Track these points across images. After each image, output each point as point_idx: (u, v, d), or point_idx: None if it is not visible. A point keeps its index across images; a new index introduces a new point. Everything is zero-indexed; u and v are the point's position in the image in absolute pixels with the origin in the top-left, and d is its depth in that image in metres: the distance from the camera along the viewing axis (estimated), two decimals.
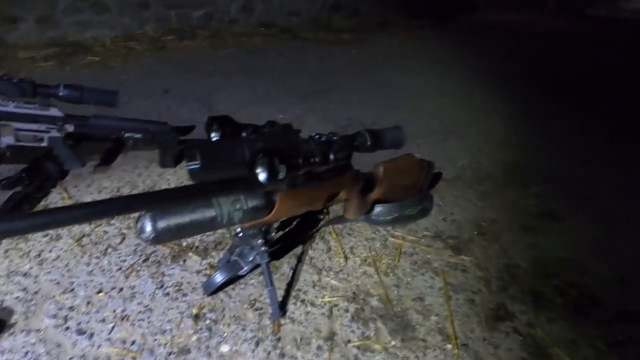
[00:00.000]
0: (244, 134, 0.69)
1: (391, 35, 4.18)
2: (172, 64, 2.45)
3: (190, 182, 0.62)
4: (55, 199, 1.10)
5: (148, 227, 0.58)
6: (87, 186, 1.17)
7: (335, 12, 4.62)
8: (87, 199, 1.11)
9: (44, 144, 1.07)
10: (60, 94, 1.02)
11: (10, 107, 0.99)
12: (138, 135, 1.18)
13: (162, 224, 0.58)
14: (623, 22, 7.55)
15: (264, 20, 3.97)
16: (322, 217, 1.09)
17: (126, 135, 1.17)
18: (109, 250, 0.92)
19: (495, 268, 0.96)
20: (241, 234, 0.77)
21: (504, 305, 0.85)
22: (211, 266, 0.89)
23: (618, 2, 9.27)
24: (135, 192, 1.16)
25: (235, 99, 1.97)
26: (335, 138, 0.77)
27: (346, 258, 0.96)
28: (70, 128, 1.08)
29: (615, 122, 2.12)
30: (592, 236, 1.12)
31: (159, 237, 0.59)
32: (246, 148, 0.61)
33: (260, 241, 0.75)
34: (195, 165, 0.59)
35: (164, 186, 1.20)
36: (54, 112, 1.05)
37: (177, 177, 1.25)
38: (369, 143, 0.83)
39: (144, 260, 0.90)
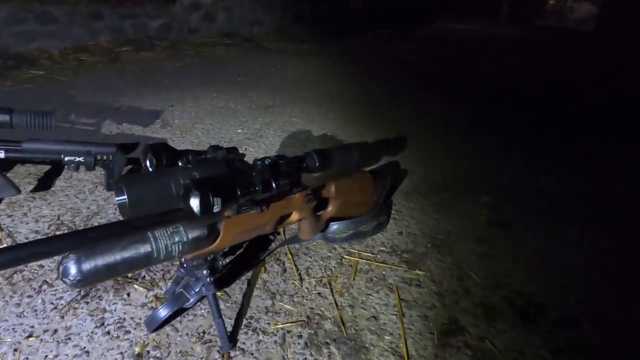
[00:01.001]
0: (180, 163, 0.66)
1: (352, 45, 4.27)
2: (126, 77, 2.35)
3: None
4: None
5: (72, 270, 0.53)
6: (23, 215, 1.08)
7: (297, 22, 4.65)
8: (23, 229, 1.03)
9: None
10: None
11: None
12: (80, 159, 1.11)
13: (88, 265, 0.54)
14: (567, 31, 8.16)
15: (226, 30, 3.92)
16: (273, 238, 1.07)
17: (66, 159, 1.09)
18: (44, 287, 0.85)
19: (449, 281, 0.98)
20: (185, 265, 0.73)
21: (456, 319, 0.87)
22: (157, 298, 0.85)
23: (564, 13, 10.01)
24: (77, 218, 1.09)
25: (192, 113, 1.92)
26: (282, 162, 0.75)
27: (301, 279, 0.94)
28: (0, 154, 1.00)
29: (558, 126, 2.27)
30: (537, 243, 1.17)
31: (86, 280, 0.54)
32: (180, 178, 0.58)
33: (205, 272, 0.72)
34: (122, 199, 0.55)
35: (111, 211, 1.13)
36: None
37: None
38: (317, 164, 0.83)
39: (83, 297, 0.84)
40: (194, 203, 0.55)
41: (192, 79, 2.45)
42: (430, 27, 6.38)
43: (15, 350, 0.72)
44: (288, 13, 4.50)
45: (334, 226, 1.02)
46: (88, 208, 1.14)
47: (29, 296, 0.83)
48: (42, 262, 0.92)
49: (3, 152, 1.00)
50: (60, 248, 0.54)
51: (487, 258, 1.09)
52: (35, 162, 1.15)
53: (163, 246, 0.61)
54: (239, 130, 1.76)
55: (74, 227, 1.06)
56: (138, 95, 2.08)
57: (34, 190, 1.18)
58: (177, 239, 0.62)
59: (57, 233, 1.03)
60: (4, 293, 0.83)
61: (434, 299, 0.92)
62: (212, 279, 0.73)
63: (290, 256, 1.01)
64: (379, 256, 1.04)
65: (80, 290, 0.85)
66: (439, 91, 2.82)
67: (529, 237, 1.20)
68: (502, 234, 1.20)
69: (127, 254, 0.58)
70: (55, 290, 0.85)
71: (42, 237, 1.01)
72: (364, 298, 0.90)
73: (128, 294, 0.85)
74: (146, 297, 0.85)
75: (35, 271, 0.89)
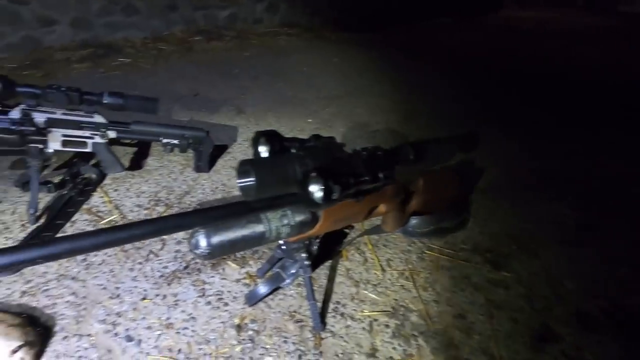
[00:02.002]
0: (292, 150, 0.69)
1: (412, 34, 4.13)
2: (200, 66, 2.48)
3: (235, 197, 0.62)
4: (97, 202, 1.13)
5: (202, 243, 0.58)
6: (126, 190, 1.20)
7: (355, 12, 4.58)
8: (127, 202, 1.14)
9: (87, 149, 1.10)
10: (105, 101, 1.05)
11: (58, 115, 1.02)
12: (175, 141, 1.20)
13: (215, 240, 0.59)
14: None
15: (287, 20, 3.98)
16: (353, 227, 1.09)
17: (164, 140, 1.19)
18: (151, 256, 0.94)
19: (538, 286, 0.94)
20: (284, 247, 0.77)
21: (548, 325, 0.83)
22: (249, 275, 0.90)
23: None
24: (172, 196, 1.19)
25: (263, 102, 1.98)
26: (379, 153, 0.76)
27: (383, 270, 0.95)
28: (112, 134, 1.11)
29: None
30: (631, 249, 1.08)
31: (213, 253, 0.59)
32: (297, 165, 0.61)
33: (303, 255, 0.75)
34: (248, 182, 0.59)
35: (199, 191, 1.22)
36: (97, 118, 1.08)
37: (211, 182, 1.27)
38: (411, 157, 0.82)
39: (185, 267, 0.91)
40: (315, 189, 0.58)
41: (259, 68, 2.52)
42: (497, 15, 5.97)
43: (134, 309, 0.80)
44: (347, 2, 4.45)
45: (416, 220, 1.01)
46: (179, 187, 1.23)
47: (139, 263, 0.92)
48: None
49: (115, 132, 1.11)
50: (191, 222, 0.59)
51: (577, 263, 1.02)
52: (127, 144, 1.26)
53: (274, 227, 0.64)
54: (310, 120, 1.80)
55: (169, 202, 1.16)
56: (212, 83, 2.19)
57: (130, 168, 1.30)
58: (285, 221, 0.66)
59: (157, 208, 1.13)
60: (119, 258, 0.93)
61: (524, 303, 0.88)
62: (309, 262, 0.76)
63: (370, 246, 1.02)
64: (460, 254, 1.02)
65: (181, 262, 0.93)
66: (510, 85, 2.65)
67: (621, 242, 1.10)
68: (591, 237, 1.12)
69: (245, 232, 0.62)
70: (160, 260, 0.94)
71: (145, 210, 1.12)
72: (449, 295, 0.89)
73: (223, 269, 0.92)
74: (239, 273, 0.91)
75: (142, 241, 0.99)
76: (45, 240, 0.51)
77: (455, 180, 1.05)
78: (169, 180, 1.27)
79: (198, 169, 1.29)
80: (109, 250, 0.95)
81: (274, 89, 2.18)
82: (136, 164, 1.34)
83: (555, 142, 1.77)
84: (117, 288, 0.85)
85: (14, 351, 0.64)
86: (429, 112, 2.04)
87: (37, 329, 0.72)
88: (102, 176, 1.22)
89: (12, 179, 1.15)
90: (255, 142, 0.70)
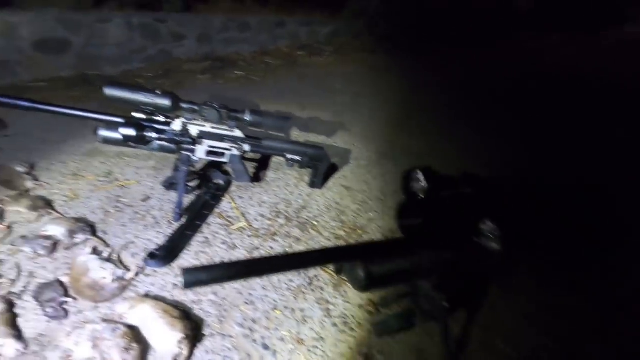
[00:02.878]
0: (447, 189, 0.67)
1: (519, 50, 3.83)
2: (305, 80, 2.61)
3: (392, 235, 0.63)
4: (226, 207, 1.24)
5: (362, 275, 0.60)
6: (249, 198, 1.30)
7: (455, 25, 4.41)
8: (251, 211, 1.23)
9: (224, 160, 1.22)
10: (246, 118, 1.15)
11: (208, 128, 1.15)
12: (297, 158, 1.27)
13: (375, 273, 0.60)
14: None
15: (384, 35, 3.99)
16: None
17: (288, 156, 1.26)
18: None
19: None
20: (421, 285, 0.75)
21: None
22: (373, 303, 0.90)
23: None
24: (290, 209, 1.25)
25: (368, 121, 2.00)
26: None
27: None
28: (247, 147, 1.21)
29: None
30: None
31: (371, 285, 0.60)
32: (467, 209, 0.59)
33: (442, 296, 0.73)
34: (412, 221, 0.59)
35: (314, 207, 1.27)
36: (237, 133, 1.19)
37: (324, 199, 1.31)
38: None
39: (309, 284, 0.95)
40: (493, 244, 0.56)
41: (360, 85, 2.57)
42: (620, 31, 5.26)
43: (267, 318, 0.86)
44: (449, 17, 4.32)
45: None
46: (296, 201, 1.30)
47: None
48: (273, 244, 1.09)
49: (249, 146, 1.22)
50: (353, 255, 0.61)
51: None
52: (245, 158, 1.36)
53: (429, 264, 0.63)
54: (413, 143, 1.76)
55: (288, 215, 1.22)
56: (316, 98, 2.29)
57: (252, 180, 1.40)
58: (439, 259, 0.64)
59: (278, 219, 1.20)
60: None
61: None
62: (446, 305, 0.73)
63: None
64: None
65: (305, 277, 0.97)
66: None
67: None
68: None
69: (402, 267, 0.62)
70: (285, 272, 0.99)
71: (267, 220, 1.19)
72: None
73: (345, 292, 0.93)
74: (361, 298, 0.92)
75: (269, 251, 1.06)
76: (227, 263, 0.57)
77: None
78: (286, 193, 1.34)
79: (312, 184, 1.35)
80: (241, 256, 1.04)
81: (376, 107, 2.19)
82: (257, 175, 1.44)
83: None
84: (251, 295, 0.92)
85: (180, 342, 0.73)
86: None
87: (192, 323, 0.81)
88: (229, 183, 1.34)
89: (156, 179, 1.32)
90: (407, 179, 0.70)
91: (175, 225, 1.14)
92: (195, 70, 2.71)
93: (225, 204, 1.26)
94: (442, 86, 2.66)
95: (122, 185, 1.33)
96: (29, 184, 1.29)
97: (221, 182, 1.33)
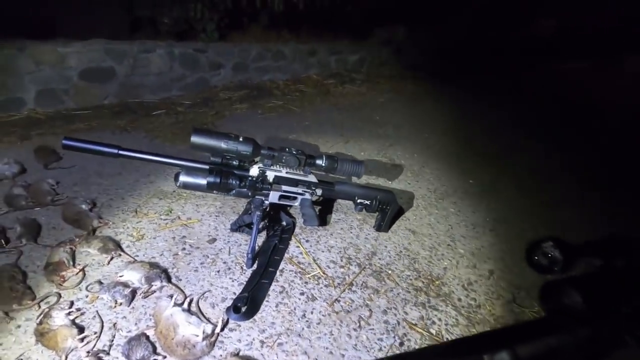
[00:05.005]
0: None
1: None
2: (341, 110, 2.63)
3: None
4: (295, 252, 1.22)
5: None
6: (316, 242, 1.27)
7: (481, 55, 4.46)
8: (321, 256, 1.20)
9: (295, 204, 1.20)
10: (322, 164, 1.15)
11: (283, 173, 1.14)
12: (367, 202, 1.25)
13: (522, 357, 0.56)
14: None
15: (411, 63, 4.04)
16: None
17: (358, 200, 1.25)
18: (362, 323, 0.97)
19: None
20: None
21: None
22: None
23: None
24: (360, 255, 1.22)
25: (414, 154, 1.99)
26: None
27: None
28: (319, 192, 1.20)
29: None
30: None
31: None
32: (618, 284, 0.56)
33: None
34: (568, 301, 0.56)
35: (385, 253, 1.24)
36: (311, 178, 1.18)
37: (392, 244, 1.29)
38: None
39: (400, 344, 0.91)
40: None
41: (398, 115, 2.57)
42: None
43: None
44: (475, 45, 4.37)
45: None
46: (365, 246, 1.27)
47: (354, 329, 0.95)
48: (352, 295, 1.06)
49: (322, 190, 1.20)
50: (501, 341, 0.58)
51: None
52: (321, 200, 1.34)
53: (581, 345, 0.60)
54: (471, 181, 1.74)
55: (360, 262, 1.19)
56: (357, 130, 2.29)
57: (320, 224, 1.35)
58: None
59: (350, 267, 1.17)
60: (334, 320, 0.97)
61: None
62: None
63: None
64: None
65: (394, 336, 0.93)
66: None
67: None
68: None
69: (551, 346, 0.58)
70: (373, 329, 0.95)
71: (340, 267, 1.16)
72: None
73: None
74: None
75: (349, 303, 1.03)
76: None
77: None
78: (352, 236, 1.31)
79: (379, 228, 1.32)
80: (322, 309, 1.00)
81: (419, 140, 2.19)
82: (324, 219, 1.39)
83: None
84: (343, 356, 0.88)
85: None
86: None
87: None
88: (294, 225, 1.32)
89: (217, 218, 1.31)
90: (536, 251, 0.67)
91: (249, 272, 1.12)
92: (232, 99, 2.74)
93: (293, 248, 1.24)
94: (485, 116, 2.66)
95: (185, 225, 1.32)
96: (95, 222, 1.28)
97: (288, 224, 1.31)
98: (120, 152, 0.98)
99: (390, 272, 1.16)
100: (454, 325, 0.99)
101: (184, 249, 1.20)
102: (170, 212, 1.38)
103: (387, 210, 1.28)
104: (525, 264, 1.15)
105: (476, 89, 3.37)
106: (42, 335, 0.86)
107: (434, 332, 0.95)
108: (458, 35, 4.23)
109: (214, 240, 1.25)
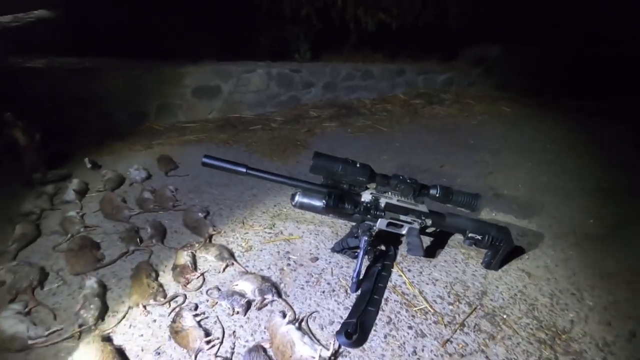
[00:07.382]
0: None
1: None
2: (432, 133, 2.55)
3: None
4: (398, 281, 1.19)
5: None
6: (419, 273, 1.23)
7: (574, 76, 4.00)
8: (426, 289, 1.16)
9: (402, 232, 1.18)
10: (436, 194, 1.11)
11: (394, 201, 1.13)
12: (479, 237, 1.18)
13: None
14: None
15: (501, 83, 3.79)
16: None
17: (469, 234, 1.18)
18: None
19: None
20: None
21: None
22: None
23: None
24: (468, 292, 1.15)
25: (517, 185, 1.84)
26: None
27: None
28: (429, 222, 1.16)
29: None
30: None
31: None
32: None
33: None
34: None
35: (497, 294, 1.15)
36: (422, 207, 1.15)
37: (504, 285, 1.19)
38: None
39: None
40: None
41: (494, 140, 2.41)
42: None
43: None
44: (572, 64, 3.95)
45: None
46: (473, 283, 1.19)
47: None
48: (465, 338, 0.99)
49: (432, 221, 1.16)
50: None
51: None
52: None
53: None
54: (591, 221, 1.55)
55: (469, 300, 1.12)
56: (451, 154, 2.19)
57: (426, 255, 1.30)
58: None
59: (460, 305, 1.10)
60: None
61: None
62: None
63: None
64: None
65: None
66: None
67: None
68: None
69: None
70: None
71: (449, 304, 1.10)
72: None
73: None
74: None
75: (463, 347, 0.96)
76: None
77: None
78: (457, 271, 1.24)
79: (488, 265, 1.23)
80: (434, 348, 0.96)
81: (522, 169, 2.01)
82: (432, 251, 1.33)
83: None
84: None
85: None
86: None
87: None
88: (396, 254, 1.29)
89: (317, 236, 1.33)
90: None
91: (353, 296, 1.12)
92: (321, 117, 2.83)
93: (396, 276, 1.21)
94: (601, 145, 2.37)
95: (288, 240, 1.37)
96: (210, 229, 1.40)
97: (390, 251, 1.29)
98: (249, 171, 1.06)
99: (505, 316, 1.07)
100: None
101: (288, 264, 1.25)
102: (274, 226, 1.45)
103: (500, 248, 1.19)
104: None
105: (584, 114, 3.03)
106: (177, 333, 0.95)
107: None
108: (565, 53, 3.85)
109: (317, 259, 1.27)
